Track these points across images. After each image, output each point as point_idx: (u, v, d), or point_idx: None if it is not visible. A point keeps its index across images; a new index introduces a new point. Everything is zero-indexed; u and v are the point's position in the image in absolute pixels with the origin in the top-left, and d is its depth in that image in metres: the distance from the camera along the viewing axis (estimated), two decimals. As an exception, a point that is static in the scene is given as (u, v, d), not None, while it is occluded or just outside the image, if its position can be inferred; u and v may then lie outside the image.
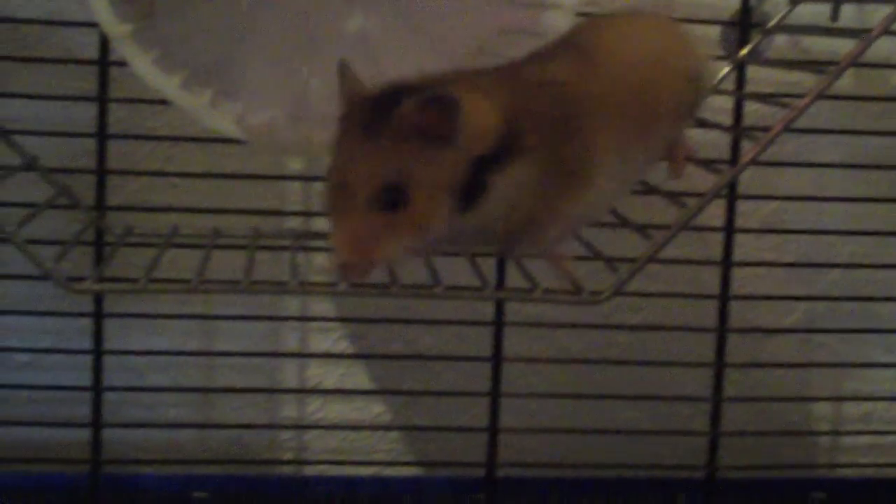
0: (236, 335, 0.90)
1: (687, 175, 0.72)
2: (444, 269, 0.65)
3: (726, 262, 0.89)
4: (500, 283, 0.85)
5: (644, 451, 0.96)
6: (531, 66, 0.62)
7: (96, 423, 0.84)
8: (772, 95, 0.80)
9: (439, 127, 0.53)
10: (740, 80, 0.86)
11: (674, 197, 0.67)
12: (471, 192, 0.55)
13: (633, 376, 0.94)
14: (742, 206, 0.90)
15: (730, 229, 0.88)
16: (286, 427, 0.94)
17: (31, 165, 0.72)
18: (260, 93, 0.70)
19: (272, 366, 0.92)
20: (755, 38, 0.85)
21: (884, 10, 0.64)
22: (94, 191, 0.82)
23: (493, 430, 0.89)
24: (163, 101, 0.69)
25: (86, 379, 0.84)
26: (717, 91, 0.83)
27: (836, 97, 0.90)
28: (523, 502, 0.93)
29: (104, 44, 0.80)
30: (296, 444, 0.94)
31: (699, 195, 0.63)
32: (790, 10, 0.84)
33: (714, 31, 0.89)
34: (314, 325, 0.92)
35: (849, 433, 0.99)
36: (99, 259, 0.81)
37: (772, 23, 0.84)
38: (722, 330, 0.90)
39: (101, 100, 0.81)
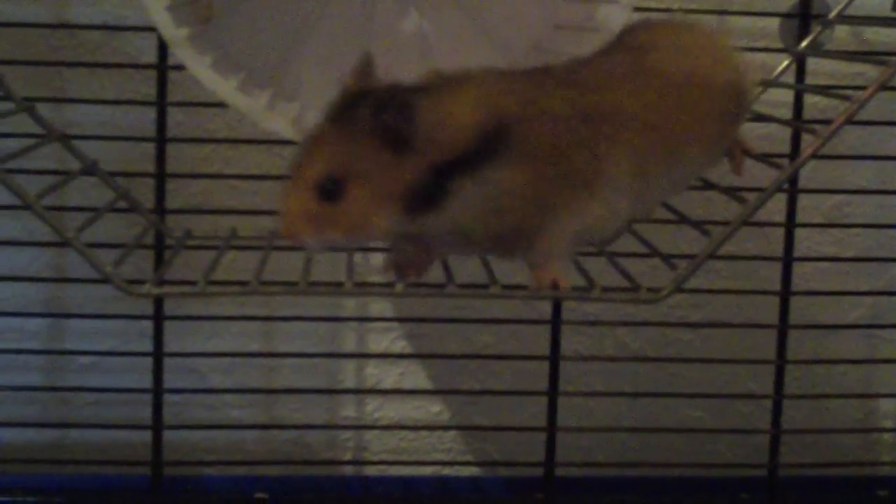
0: (295, 335, 0.91)
1: (746, 168, 0.71)
2: (501, 268, 0.64)
3: (787, 258, 0.88)
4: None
5: (704, 450, 0.95)
6: (566, 66, 0.62)
7: (157, 425, 0.85)
8: (832, 87, 0.78)
9: (395, 130, 0.54)
10: (800, 73, 0.85)
11: (732, 192, 0.66)
12: (429, 195, 0.55)
13: (692, 374, 0.93)
14: (803, 200, 0.89)
15: (791, 224, 0.87)
16: (346, 427, 0.94)
17: (91, 170, 0.72)
18: (316, 94, 0.70)
19: (331, 366, 0.93)
20: (815, 29, 0.84)
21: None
22: (154, 194, 0.82)
23: (552, 429, 0.88)
24: (220, 104, 0.69)
25: (146, 381, 0.84)
26: (777, 84, 0.81)
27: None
28: (582, 502, 0.92)
29: (162, 48, 0.80)
30: (355, 444, 0.94)
31: (758, 190, 0.62)
32: (851, 1, 0.83)
33: (773, 24, 0.88)
34: (372, 325, 0.92)
35: (914, 430, 0.98)
36: (158, 262, 0.82)
37: (832, 13, 0.83)
38: (783, 326, 0.88)
39: (160, 104, 0.82)
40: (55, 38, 0.86)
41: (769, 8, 0.87)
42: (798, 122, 0.85)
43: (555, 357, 0.87)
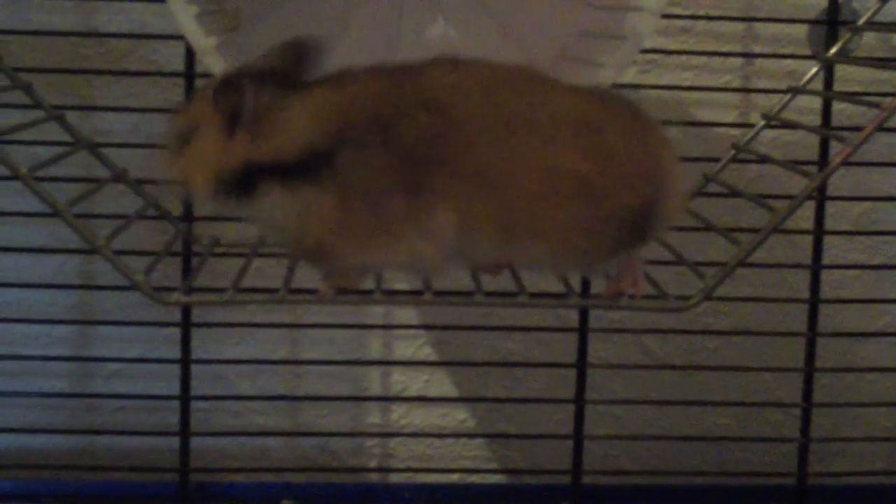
0: (322, 342, 0.91)
1: (774, 176, 0.70)
2: (529, 275, 0.64)
3: (816, 265, 0.87)
4: (585, 290, 0.85)
5: (732, 458, 0.95)
6: (411, 70, 0.58)
7: (184, 432, 0.85)
8: (861, 94, 0.78)
9: (226, 112, 0.56)
10: (828, 80, 0.85)
11: (760, 200, 0.66)
12: (241, 186, 0.57)
13: (720, 382, 0.93)
14: (831, 208, 0.89)
15: (819, 231, 0.87)
16: (371, 434, 0.94)
17: (120, 178, 0.73)
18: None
19: (357, 373, 0.93)
20: (843, 36, 0.84)
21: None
22: (182, 202, 0.83)
23: (578, 436, 0.88)
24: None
25: (174, 388, 0.85)
26: (806, 91, 0.81)
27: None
28: (609, 509, 0.92)
29: (190, 56, 0.81)
30: (381, 452, 0.94)
31: (785, 197, 0.62)
32: (880, 7, 0.82)
33: (801, 30, 0.87)
34: (398, 332, 0.92)
35: (944, 439, 0.97)
36: (186, 270, 0.82)
37: (861, 20, 0.82)
38: (812, 334, 0.88)
39: (187, 112, 0.82)
40: (83, 47, 0.87)
41: (797, 14, 0.87)
42: (827, 128, 0.85)
43: (581, 365, 0.87)
